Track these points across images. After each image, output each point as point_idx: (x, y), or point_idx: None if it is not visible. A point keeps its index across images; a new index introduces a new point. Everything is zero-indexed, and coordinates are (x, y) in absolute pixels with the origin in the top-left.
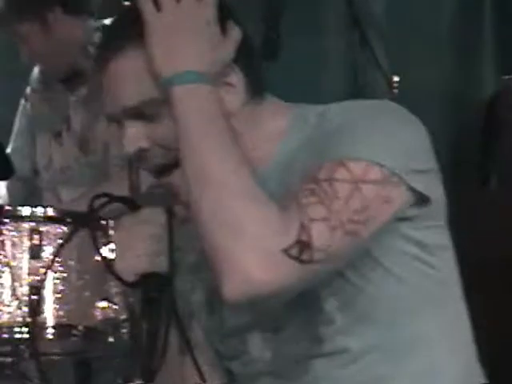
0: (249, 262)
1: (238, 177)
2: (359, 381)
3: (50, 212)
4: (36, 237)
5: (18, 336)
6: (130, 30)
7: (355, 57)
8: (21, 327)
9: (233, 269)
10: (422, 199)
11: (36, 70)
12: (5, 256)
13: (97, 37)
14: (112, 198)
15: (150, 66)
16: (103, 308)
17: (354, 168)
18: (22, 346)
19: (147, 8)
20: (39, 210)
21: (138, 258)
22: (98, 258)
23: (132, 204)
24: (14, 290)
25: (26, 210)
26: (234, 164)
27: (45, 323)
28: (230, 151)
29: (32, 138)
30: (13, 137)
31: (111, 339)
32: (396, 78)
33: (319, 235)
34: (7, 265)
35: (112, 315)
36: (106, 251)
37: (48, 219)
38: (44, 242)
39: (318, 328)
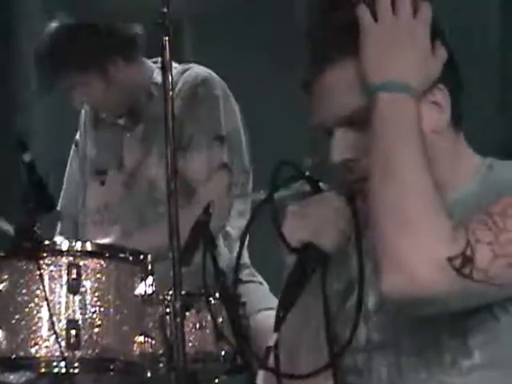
0: (415, 261)
1: (424, 183)
2: None
3: (89, 246)
4: (74, 271)
5: (55, 370)
6: (345, 41)
7: None
8: (59, 361)
9: (398, 264)
10: None
11: (83, 113)
12: (43, 290)
13: (158, 74)
14: (300, 174)
15: (361, 73)
16: (141, 342)
17: None
18: (59, 380)
19: (365, 18)
20: (78, 245)
21: (303, 228)
22: (135, 294)
23: (315, 186)
24: (51, 324)
25: (64, 245)
26: (421, 172)
27: (83, 358)
28: (421, 161)
29: (82, 180)
30: (64, 182)
31: (149, 373)
32: None
33: (482, 256)
34: (45, 299)
35: (150, 350)
36: (144, 286)
37: (86, 253)
38: (82, 277)
39: (456, 360)
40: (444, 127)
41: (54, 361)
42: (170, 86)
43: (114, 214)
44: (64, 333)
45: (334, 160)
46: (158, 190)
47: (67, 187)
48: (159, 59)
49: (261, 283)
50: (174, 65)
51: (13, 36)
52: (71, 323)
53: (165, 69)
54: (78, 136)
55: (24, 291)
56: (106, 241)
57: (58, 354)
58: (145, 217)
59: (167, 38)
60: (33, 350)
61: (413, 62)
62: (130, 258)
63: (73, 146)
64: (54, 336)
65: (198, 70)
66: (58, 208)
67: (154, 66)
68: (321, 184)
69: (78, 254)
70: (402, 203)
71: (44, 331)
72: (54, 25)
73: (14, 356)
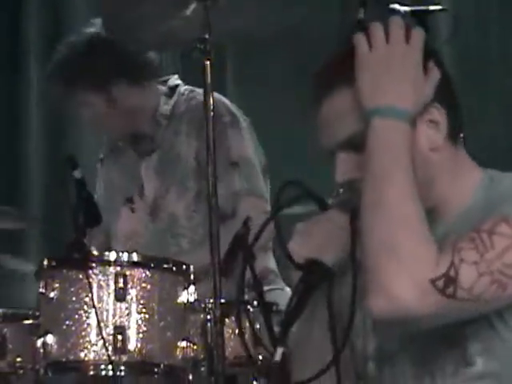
0: (398, 284)
1: (410, 213)
2: None
3: (135, 257)
4: (121, 280)
5: (103, 373)
6: (341, 69)
7: None
8: (106, 365)
9: (383, 287)
10: None
11: (106, 138)
12: (91, 298)
13: (165, 103)
14: (307, 192)
15: (357, 99)
16: (183, 347)
17: None
18: (108, 383)
19: (361, 46)
20: (124, 256)
21: (308, 245)
22: (178, 301)
23: (322, 204)
24: (99, 329)
25: (112, 255)
26: (408, 202)
27: (129, 362)
28: (409, 188)
29: (108, 204)
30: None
31: (190, 377)
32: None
33: (466, 275)
34: (93, 306)
35: (191, 354)
36: (186, 294)
37: (132, 264)
38: (128, 286)
39: (458, 368)
40: (442, 144)
41: (102, 364)
42: (212, 107)
43: (141, 241)
44: (111, 338)
45: (337, 180)
46: (179, 224)
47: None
48: (169, 78)
49: (282, 289)
50: (183, 87)
51: None
52: (118, 329)
53: (206, 92)
54: (102, 155)
55: (74, 299)
56: None
57: (105, 357)
58: (167, 250)
59: (208, 63)
60: (82, 354)
61: (406, 87)
62: (174, 269)
63: (98, 165)
64: (101, 341)
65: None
66: None
67: (161, 92)
68: (328, 202)
69: (125, 264)
70: (388, 232)
71: (92, 336)
72: (70, 39)
73: (64, 359)
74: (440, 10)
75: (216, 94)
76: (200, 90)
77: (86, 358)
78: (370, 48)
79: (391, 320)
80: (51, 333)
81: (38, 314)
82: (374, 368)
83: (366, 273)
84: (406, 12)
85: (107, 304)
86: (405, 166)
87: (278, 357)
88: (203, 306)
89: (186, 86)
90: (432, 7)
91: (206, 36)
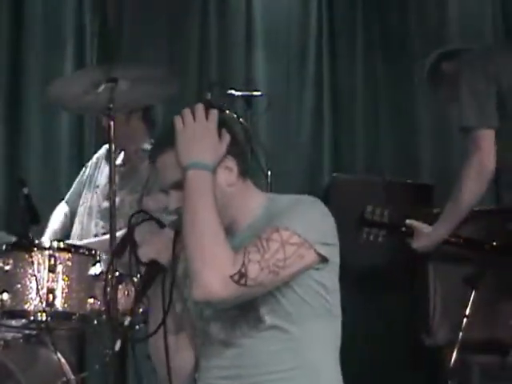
0: (208, 280)
1: (215, 232)
2: (270, 348)
3: (62, 245)
4: (52, 259)
5: (39, 318)
6: (169, 138)
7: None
8: (41, 313)
9: (198, 282)
10: (325, 260)
11: (96, 156)
12: (33, 270)
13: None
14: (150, 217)
15: (177, 157)
16: (91, 303)
17: (282, 234)
18: (42, 325)
19: (178, 123)
20: (55, 244)
21: (151, 250)
22: (88, 273)
23: (160, 223)
24: (37, 291)
25: (47, 243)
26: (212, 221)
27: (56, 311)
28: (212, 214)
29: (82, 192)
30: (73, 186)
31: (95, 322)
32: (269, 173)
33: (252, 271)
34: (34, 275)
35: (96, 307)
36: (93, 269)
37: (60, 249)
38: (57, 262)
39: (255, 323)
40: (235, 181)
41: (38, 312)
42: (113, 155)
43: (96, 214)
44: (45, 296)
45: (169, 208)
46: (119, 211)
47: (73, 190)
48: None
49: None
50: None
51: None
52: (49, 290)
53: (110, 144)
54: (89, 164)
55: (22, 270)
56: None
57: (40, 309)
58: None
59: (112, 123)
60: (26, 306)
61: (207, 148)
62: (86, 253)
63: (83, 168)
64: (38, 298)
65: None
66: (65, 199)
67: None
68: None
69: (55, 249)
70: (200, 245)
71: (33, 295)
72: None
73: (14, 309)
74: (260, 95)
75: None
76: None
77: (29, 309)
78: (183, 125)
79: (205, 303)
80: (6, 292)
81: None
82: (204, 325)
83: (189, 271)
84: (238, 95)
85: (43, 274)
86: (209, 199)
87: (117, 347)
88: (104, 277)
89: None
90: (255, 93)
91: (111, 105)
